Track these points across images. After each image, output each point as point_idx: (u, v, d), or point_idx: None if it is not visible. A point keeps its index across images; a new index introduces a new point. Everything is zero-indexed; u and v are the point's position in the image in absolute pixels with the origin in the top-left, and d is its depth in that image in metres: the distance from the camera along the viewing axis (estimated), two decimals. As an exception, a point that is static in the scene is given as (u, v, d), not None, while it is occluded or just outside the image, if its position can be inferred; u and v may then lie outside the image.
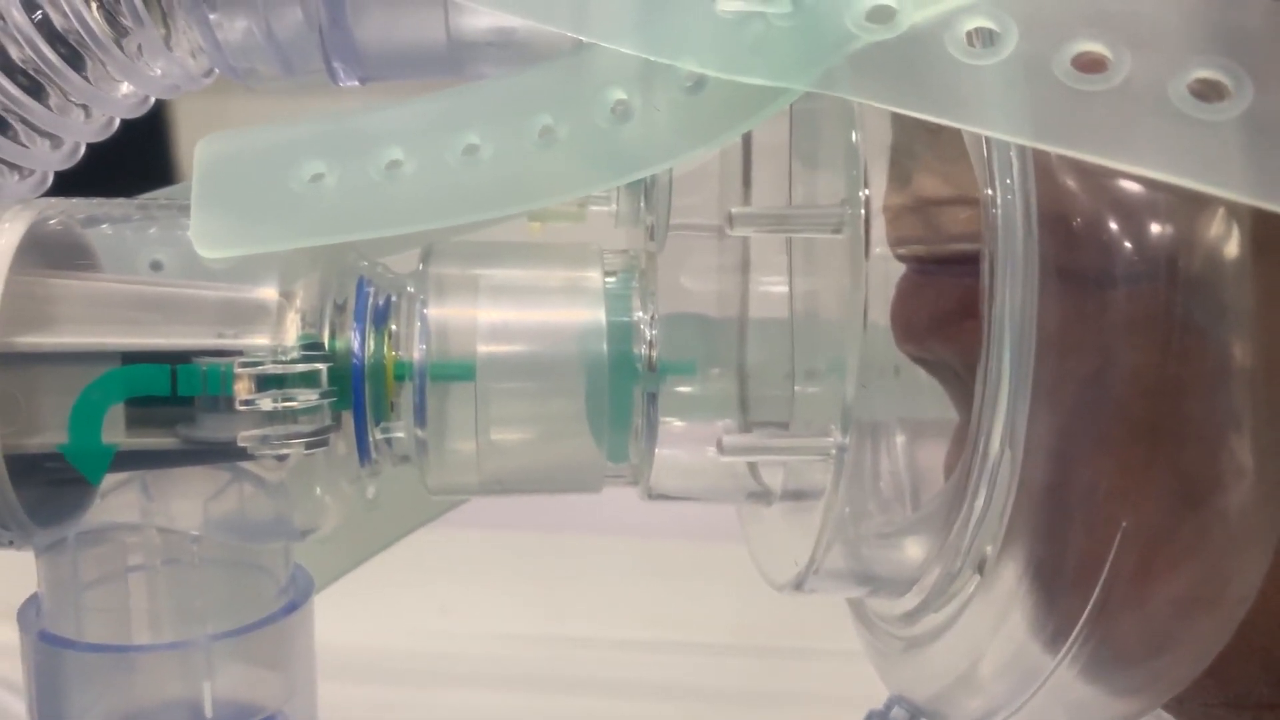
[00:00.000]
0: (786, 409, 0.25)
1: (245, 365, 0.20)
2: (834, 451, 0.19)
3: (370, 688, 0.49)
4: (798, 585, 0.22)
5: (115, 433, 0.21)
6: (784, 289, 0.26)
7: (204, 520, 0.22)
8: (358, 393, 0.21)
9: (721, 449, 0.20)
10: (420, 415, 0.22)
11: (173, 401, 0.21)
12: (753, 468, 0.24)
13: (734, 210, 0.20)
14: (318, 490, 0.23)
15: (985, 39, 0.18)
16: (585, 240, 0.25)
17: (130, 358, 0.21)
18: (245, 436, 0.21)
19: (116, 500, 0.22)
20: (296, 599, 0.23)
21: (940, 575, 0.21)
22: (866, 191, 0.18)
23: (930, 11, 0.18)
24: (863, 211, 0.18)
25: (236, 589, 0.23)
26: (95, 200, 0.23)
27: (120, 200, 0.23)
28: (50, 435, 0.20)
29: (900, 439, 0.23)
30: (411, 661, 0.54)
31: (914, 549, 0.21)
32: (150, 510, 0.22)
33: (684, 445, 0.23)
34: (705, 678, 1.03)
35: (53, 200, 0.23)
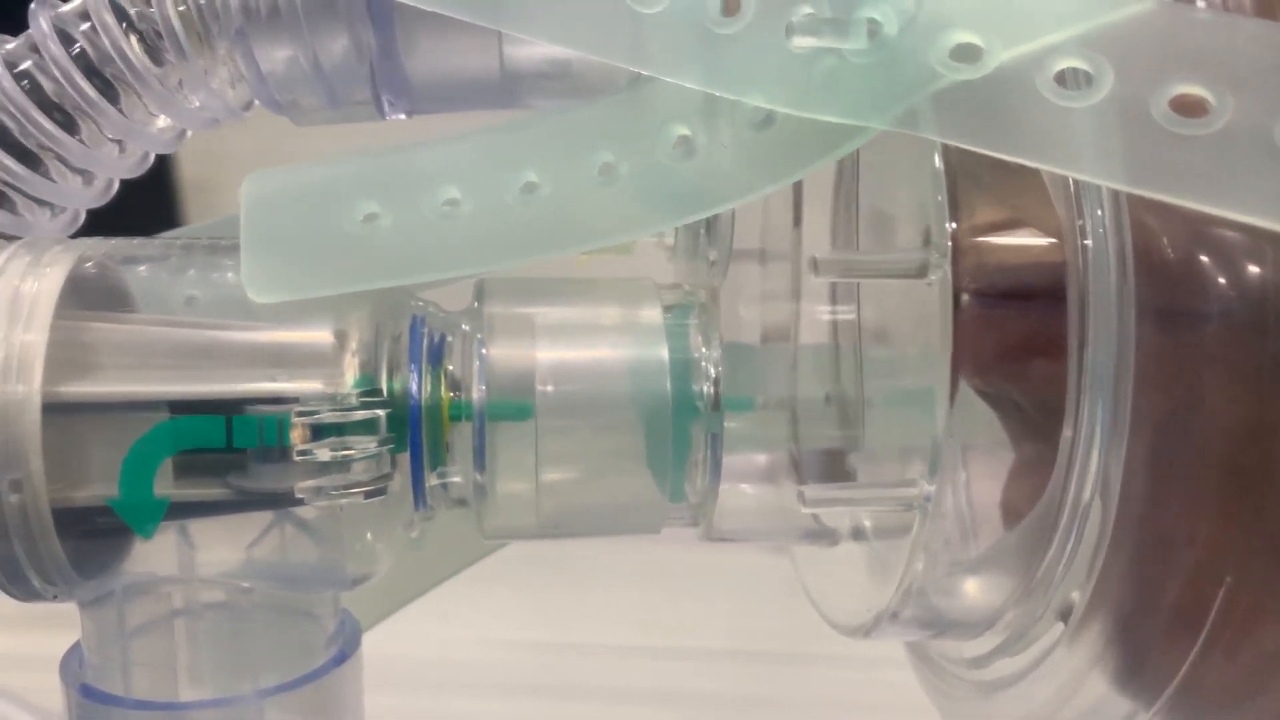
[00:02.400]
0: (836, 439, 0.24)
1: (302, 414, 0.20)
2: (920, 501, 0.18)
3: (371, 696, 0.49)
4: (867, 633, 0.22)
5: (164, 484, 0.20)
6: (832, 317, 0.25)
7: (247, 568, 0.22)
8: (415, 436, 0.21)
9: (804, 502, 0.19)
10: (480, 458, 0.21)
11: (222, 451, 0.20)
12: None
13: (819, 256, 0.19)
14: (369, 536, 0.22)
15: (1077, 80, 0.17)
16: (631, 273, 0.24)
17: (180, 407, 0.20)
18: (302, 488, 0.20)
19: (155, 547, 0.22)
20: (346, 649, 0.23)
21: (1020, 621, 0.20)
22: (953, 225, 0.18)
23: (1019, 51, 0.17)
24: (949, 247, 0.18)
25: (285, 639, 0.22)
26: (129, 240, 0.22)
27: (155, 239, 0.22)
28: (99, 488, 0.20)
29: (962, 475, 0.23)
30: (413, 669, 0.53)
31: (987, 593, 0.21)
32: (191, 559, 0.22)
33: (742, 483, 0.23)
34: (706, 683, 1.02)
35: (88, 240, 0.22)
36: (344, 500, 0.20)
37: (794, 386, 0.24)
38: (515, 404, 0.21)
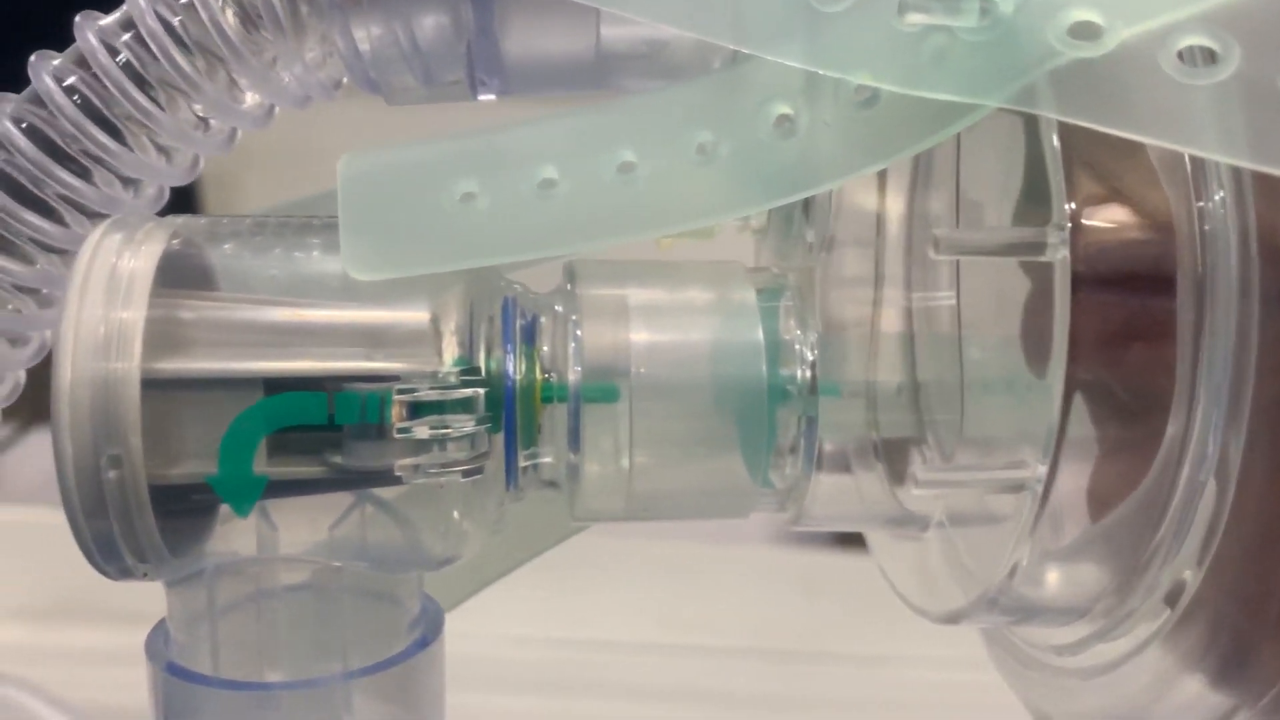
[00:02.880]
0: (913, 427, 0.24)
1: (402, 391, 0.20)
2: (1032, 483, 0.18)
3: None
4: (958, 620, 0.21)
5: (260, 462, 0.20)
6: (915, 303, 0.25)
7: (335, 548, 0.21)
8: (509, 416, 0.21)
9: (917, 483, 0.19)
10: (575, 439, 0.21)
11: (319, 429, 0.20)
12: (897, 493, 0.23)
13: (939, 233, 0.19)
14: (456, 515, 0.22)
15: (1196, 57, 0.17)
16: (712, 258, 0.24)
17: (276, 384, 0.20)
18: (402, 465, 0.20)
19: (246, 526, 0.22)
20: (429, 633, 0.23)
21: (1118, 608, 0.20)
22: (1071, 205, 0.18)
23: (1140, 29, 0.17)
24: (1069, 228, 0.18)
25: (370, 622, 0.22)
26: (218, 218, 0.22)
27: (244, 217, 0.22)
28: (196, 465, 0.20)
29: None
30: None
31: (1078, 581, 0.21)
32: (280, 539, 0.22)
33: (826, 470, 0.23)
34: (721, 681, 1.02)
35: (177, 218, 0.22)
36: (443, 479, 0.20)
37: (873, 373, 0.24)
38: (609, 386, 0.21)
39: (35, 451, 1.20)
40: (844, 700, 0.96)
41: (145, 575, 0.21)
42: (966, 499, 0.22)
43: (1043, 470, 0.18)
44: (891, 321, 0.25)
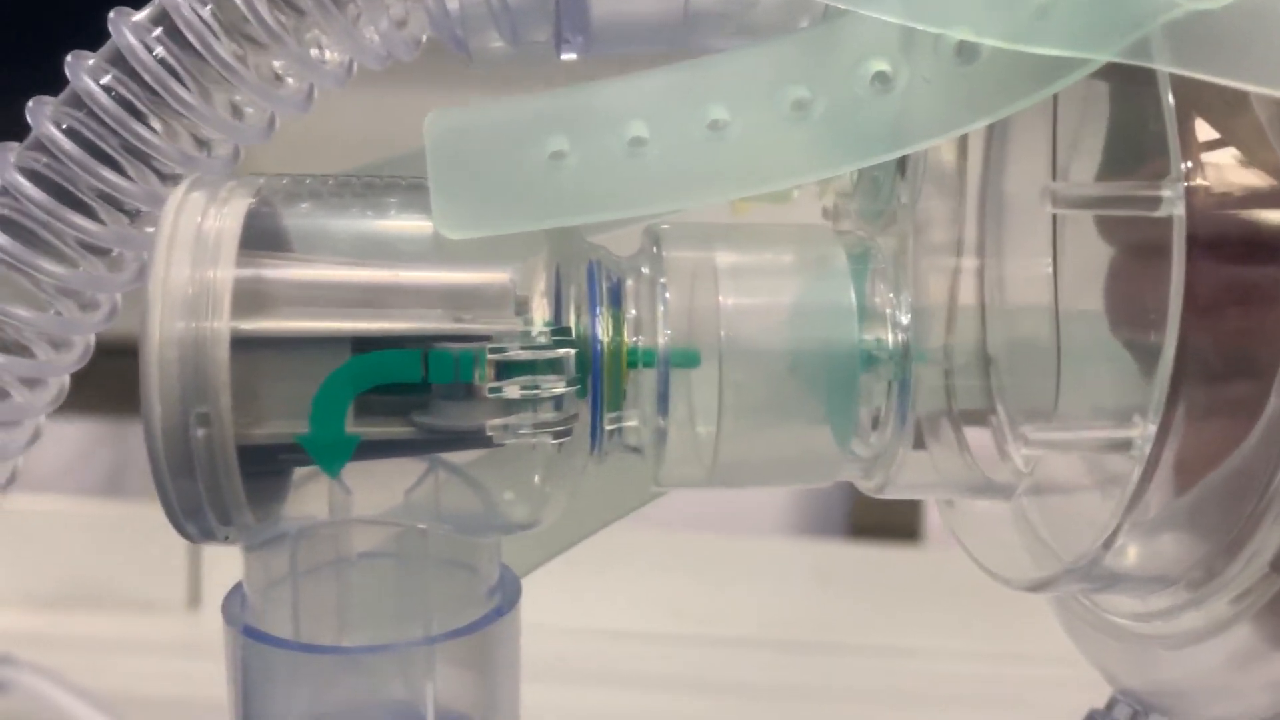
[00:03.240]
0: (987, 396, 0.24)
1: (495, 350, 0.19)
2: (1139, 442, 0.18)
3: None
4: (1043, 587, 0.21)
5: (349, 424, 0.20)
6: (984, 269, 0.24)
7: (417, 511, 0.21)
8: (596, 379, 0.20)
9: (1026, 443, 0.19)
10: (663, 403, 0.21)
11: (406, 389, 0.20)
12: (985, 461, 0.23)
13: (1054, 186, 0.19)
14: (538, 479, 0.22)
15: None
16: (787, 221, 0.24)
17: (366, 344, 0.19)
18: (493, 426, 0.19)
19: (318, 490, 0.21)
20: (506, 602, 0.22)
21: (1209, 579, 0.20)
22: (1188, 164, 0.17)
23: (1261, -21, 0.17)
24: (1183, 187, 0.17)
25: (450, 589, 0.22)
26: (301, 177, 0.22)
27: (326, 177, 0.22)
28: (286, 425, 0.19)
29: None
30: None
31: (1172, 549, 0.20)
32: (346, 503, 0.21)
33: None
34: (734, 671, 1.02)
35: (259, 178, 0.22)
36: (533, 440, 0.20)
37: (952, 339, 0.24)
38: (695, 352, 0.21)
39: (51, 440, 1.20)
40: (856, 691, 0.96)
41: (227, 538, 0.21)
42: (1057, 468, 0.22)
43: (1152, 429, 0.18)
44: (970, 288, 0.24)
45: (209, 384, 0.19)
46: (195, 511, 0.20)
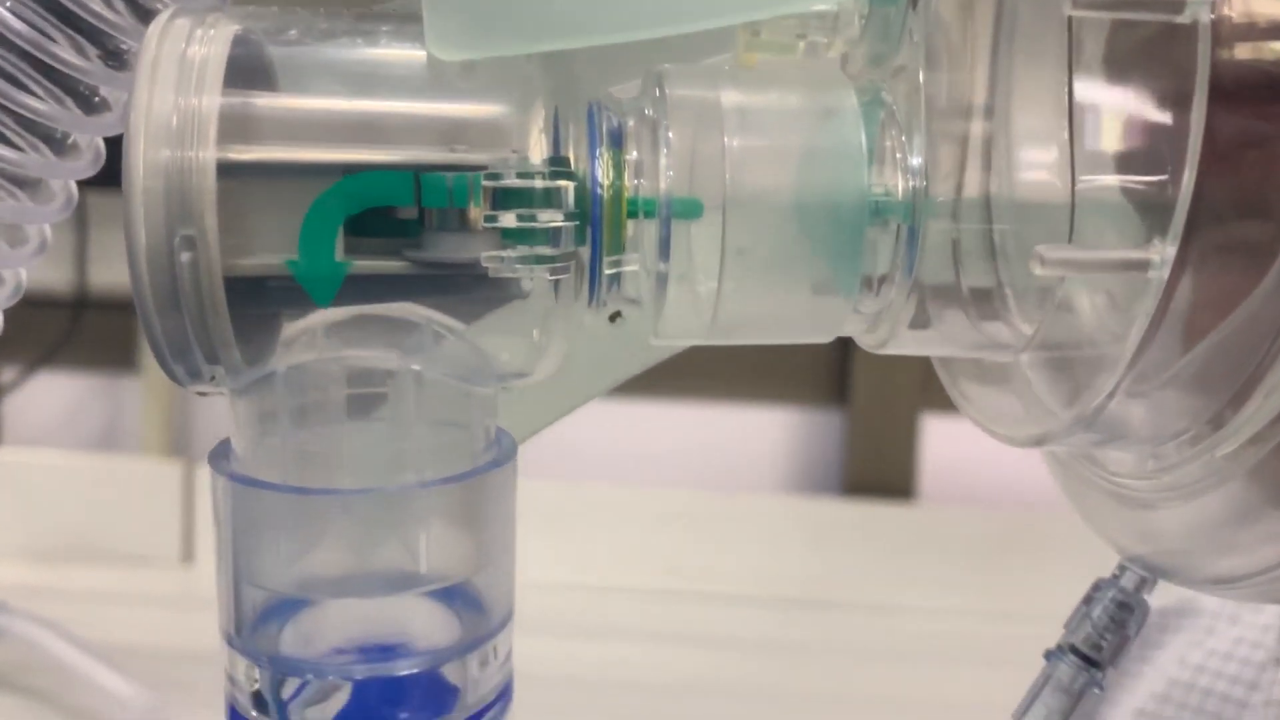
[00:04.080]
0: (990, 257, 0.23)
1: (491, 177, 0.19)
2: (1157, 260, 0.17)
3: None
4: (1046, 440, 0.21)
5: (337, 254, 0.19)
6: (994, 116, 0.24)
7: (411, 356, 0.21)
8: (595, 221, 0.20)
9: (1043, 262, 0.18)
10: (665, 248, 0.20)
11: (399, 225, 0.19)
12: (986, 320, 0.22)
13: None
14: (535, 334, 0.21)
15: None
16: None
17: (354, 172, 0.19)
18: (488, 257, 0.19)
19: (309, 332, 0.21)
20: (501, 457, 0.22)
21: (1216, 427, 0.19)
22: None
23: None
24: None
25: (444, 442, 0.21)
26: (284, 6, 0.21)
27: (313, 10, 0.21)
28: (273, 253, 0.19)
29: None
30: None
31: (1176, 404, 0.20)
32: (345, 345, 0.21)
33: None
34: (728, 626, 1.03)
35: (242, 7, 0.21)
36: (529, 275, 0.19)
37: (962, 190, 0.23)
38: (697, 201, 0.20)
39: (41, 394, 1.19)
40: (848, 646, 0.97)
41: (213, 379, 0.20)
42: (1062, 328, 0.21)
43: (1171, 249, 0.17)
44: (979, 138, 0.24)
45: (193, 207, 0.18)
46: (182, 349, 0.19)
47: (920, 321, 0.22)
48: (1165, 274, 0.17)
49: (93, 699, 0.79)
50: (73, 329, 1.10)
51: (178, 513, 1.09)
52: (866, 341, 0.22)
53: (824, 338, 0.22)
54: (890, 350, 0.22)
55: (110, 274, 1.09)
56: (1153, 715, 0.37)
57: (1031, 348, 0.21)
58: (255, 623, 0.21)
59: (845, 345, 1.06)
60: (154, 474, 1.09)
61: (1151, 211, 0.19)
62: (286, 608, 0.21)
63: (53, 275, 1.09)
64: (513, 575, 0.23)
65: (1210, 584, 0.21)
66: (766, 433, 1.10)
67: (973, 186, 0.22)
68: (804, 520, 1.06)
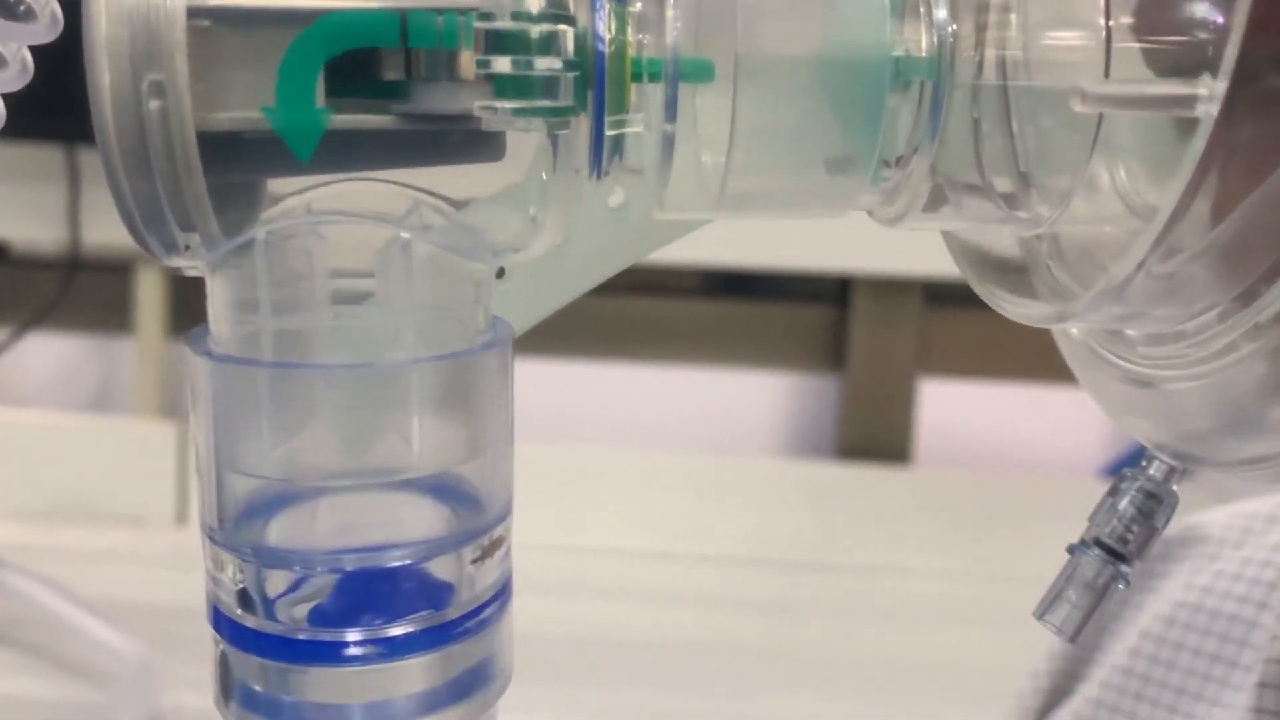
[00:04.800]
0: (1008, 125, 0.22)
1: (483, 19, 0.17)
2: (1205, 94, 0.16)
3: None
4: (1067, 315, 0.19)
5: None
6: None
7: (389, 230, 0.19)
8: (599, 82, 0.18)
9: (1084, 98, 0.17)
10: (671, 108, 0.19)
11: (382, 88, 0.18)
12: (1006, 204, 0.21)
13: None
14: (531, 211, 0.20)
15: None
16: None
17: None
18: (481, 106, 0.18)
19: (286, 216, 0.19)
20: (494, 340, 0.21)
21: (1248, 302, 0.18)
22: None
23: None
24: None
25: (434, 321, 0.20)
26: None
27: None
28: (250, 105, 0.17)
29: None
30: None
31: (1207, 273, 0.19)
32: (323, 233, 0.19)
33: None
34: (725, 588, 1.03)
35: None
36: (526, 126, 0.18)
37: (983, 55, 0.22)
38: (707, 61, 0.19)
39: (34, 355, 1.18)
40: (843, 607, 0.97)
41: (188, 248, 0.19)
42: (1080, 211, 0.20)
43: (1221, 85, 0.16)
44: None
45: (161, 48, 0.17)
46: (155, 215, 0.18)
47: (937, 200, 0.21)
48: (1215, 110, 0.16)
49: (86, 651, 0.79)
50: (65, 289, 1.08)
51: (172, 474, 1.08)
52: (882, 216, 0.21)
53: (837, 212, 0.21)
54: (906, 226, 0.21)
55: (104, 233, 1.08)
56: (1158, 638, 0.36)
57: (1057, 225, 0.20)
58: (240, 517, 0.20)
59: (843, 311, 1.05)
60: (148, 435, 1.08)
61: (1188, 70, 0.18)
62: (272, 504, 0.20)
63: (45, 235, 1.07)
64: (510, 470, 0.21)
65: (1239, 465, 0.20)
66: (764, 397, 1.10)
67: (993, 60, 0.21)
68: (800, 483, 1.06)
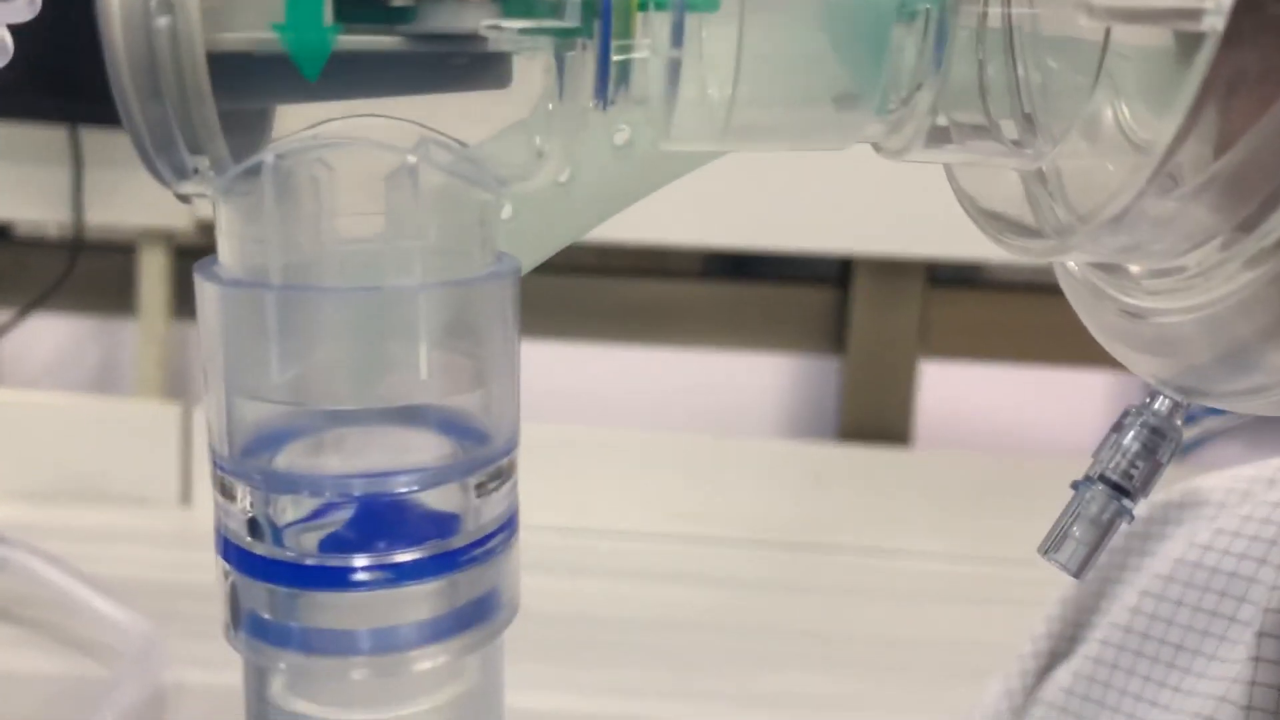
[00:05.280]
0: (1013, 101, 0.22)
1: (489, -63, 0.17)
2: (1211, 7, 0.16)
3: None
4: (1065, 248, 0.20)
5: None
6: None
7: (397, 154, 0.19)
8: (606, 6, 0.19)
9: (1091, 11, 0.17)
10: (678, 32, 0.19)
11: (390, 13, 0.18)
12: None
13: None
14: (537, 141, 0.20)
15: None
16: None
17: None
18: (488, 25, 0.18)
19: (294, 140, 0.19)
20: (502, 270, 0.21)
21: (1249, 229, 0.18)
22: None
23: None
24: None
25: (440, 249, 0.20)
26: None
27: None
28: (259, 24, 0.18)
29: None
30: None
31: (1212, 204, 0.19)
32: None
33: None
34: (726, 568, 1.03)
35: None
36: (532, 45, 0.18)
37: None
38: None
39: (37, 336, 1.18)
40: (843, 587, 0.97)
41: (197, 172, 0.19)
42: (1088, 137, 0.20)
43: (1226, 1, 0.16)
44: None
45: None
46: (165, 139, 0.18)
47: (941, 138, 0.21)
48: (1220, 24, 0.16)
49: (91, 628, 0.79)
50: (69, 270, 1.09)
51: (175, 455, 1.08)
52: (886, 146, 0.21)
53: (842, 145, 0.21)
54: (910, 159, 0.21)
55: (107, 214, 1.08)
56: (1158, 596, 0.36)
57: (1059, 159, 0.20)
58: (249, 445, 0.20)
59: (844, 293, 1.06)
60: (151, 416, 1.08)
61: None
62: (281, 436, 0.20)
63: (48, 215, 1.08)
64: (515, 405, 0.22)
65: (1240, 396, 0.20)
66: (764, 378, 1.10)
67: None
68: (801, 464, 1.06)
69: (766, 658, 0.85)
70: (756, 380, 1.10)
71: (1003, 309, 1.03)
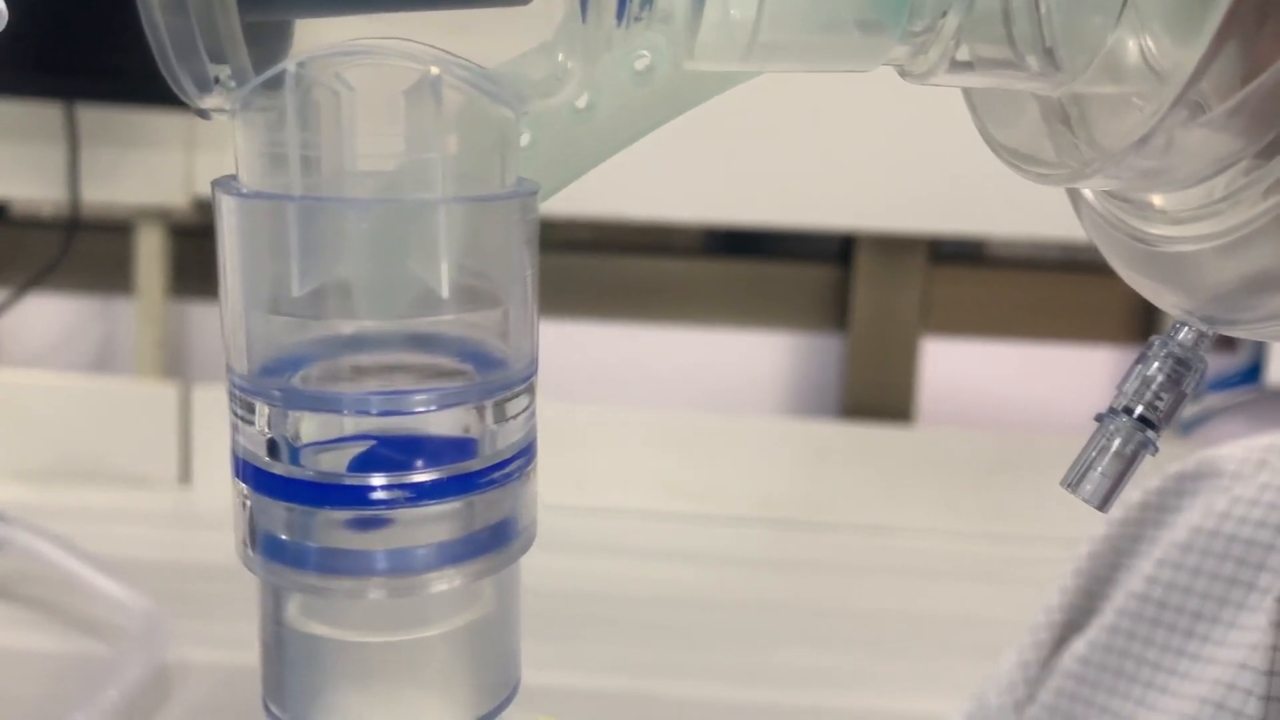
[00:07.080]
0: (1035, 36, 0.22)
1: None
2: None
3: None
4: (1086, 173, 0.19)
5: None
6: None
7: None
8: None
9: None
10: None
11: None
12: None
13: None
14: (560, 57, 0.20)
15: None
16: None
17: None
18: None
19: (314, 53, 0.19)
20: (521, 190, 0.21)
21: (1271, 155, 0.18)
22: None
23: None
24: None
25: (460, 167, 0.20)
26: None
27: None
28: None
29: None
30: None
31: (1235, 130, 0.19)
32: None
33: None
34: (727, 546, 1.03)
35: None
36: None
37: None
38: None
39: (35, 315, 1.18)
40: (845, 564, 0.97)
41: (218, 82, 0.19)
42: (1113, 69, 0.20)
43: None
44: None
45: None
46: (188, 48, 0.18)
47: (964, 67, 0.21)
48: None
49: (92, 606, 0.79)
50: (66, 249, 1.08)
51: (174, 434, 1.08)
52: (910, 70, 0.21)
53: (866, 67, 0.21)
54: (933, 82, 0.21)
55: (104, 192, 1.07)
56: (1175, 564, 0.36)
57: (1084, 87, 0.20)
58: (268, 364, 0.20)
59: (846, 270, 1.05)
60: (150, 396, 1.08)
61: None
62: (299, 360, 0.20)
63: (45, 194, 1.07)
64: (533, 334, 0.21)
65: (1264, 322, 0.20)
66: (766, 356, 1.10)
67: None
68: (803, 441, 1.06)
69: (769, 634, 0.85)
70: (758, 358, 1.10)
71: (1005, 285, 1.03)
